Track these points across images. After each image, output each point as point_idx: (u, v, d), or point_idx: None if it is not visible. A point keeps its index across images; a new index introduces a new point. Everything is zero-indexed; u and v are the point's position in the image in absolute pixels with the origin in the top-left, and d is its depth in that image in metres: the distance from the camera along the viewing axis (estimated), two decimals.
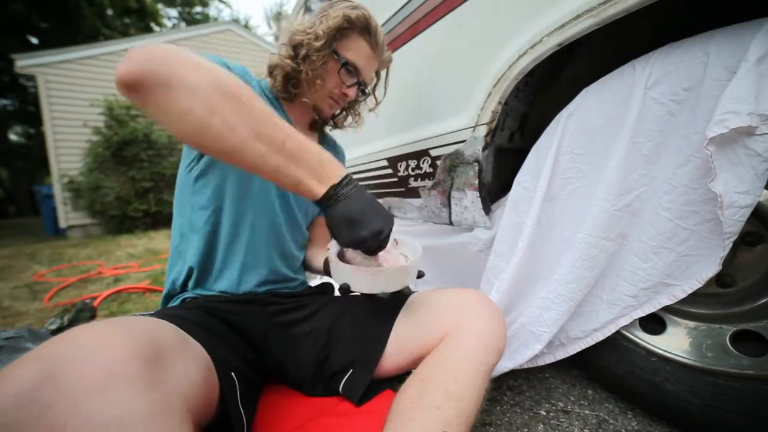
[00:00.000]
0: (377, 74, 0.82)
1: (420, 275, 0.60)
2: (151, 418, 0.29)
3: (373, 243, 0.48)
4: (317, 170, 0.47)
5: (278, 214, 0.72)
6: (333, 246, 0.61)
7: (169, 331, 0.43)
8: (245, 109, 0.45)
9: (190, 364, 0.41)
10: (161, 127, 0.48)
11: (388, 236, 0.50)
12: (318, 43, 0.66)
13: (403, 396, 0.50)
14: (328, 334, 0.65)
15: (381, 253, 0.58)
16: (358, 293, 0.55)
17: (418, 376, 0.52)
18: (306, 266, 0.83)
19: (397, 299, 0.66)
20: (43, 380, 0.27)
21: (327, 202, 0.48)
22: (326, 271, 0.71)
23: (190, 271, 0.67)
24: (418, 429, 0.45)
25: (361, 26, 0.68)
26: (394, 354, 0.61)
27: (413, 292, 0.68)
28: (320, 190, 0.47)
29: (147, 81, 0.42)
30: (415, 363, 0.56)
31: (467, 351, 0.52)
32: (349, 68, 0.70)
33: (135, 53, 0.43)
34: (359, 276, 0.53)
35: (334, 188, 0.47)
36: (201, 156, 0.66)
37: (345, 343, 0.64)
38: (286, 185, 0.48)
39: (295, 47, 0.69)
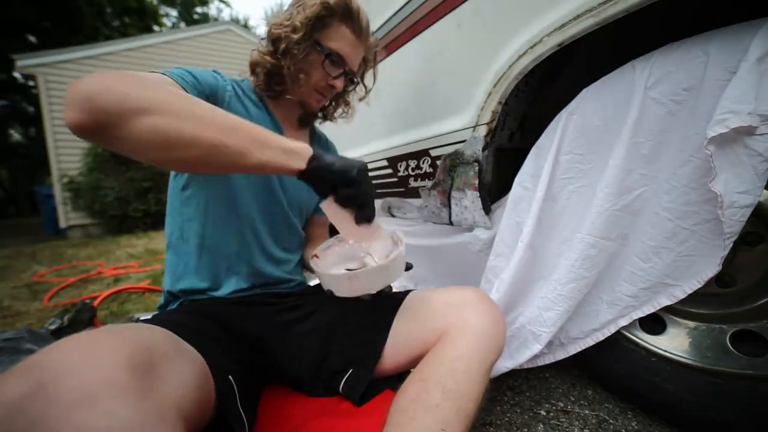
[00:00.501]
0: (365, 60, 0.77)
1: (408, 267, 0.59)
2: (142, 427, 0.29)
3: (361, 179, 0.52)
4: (289, 150, 0.49)
5: (258, 220, 0.70)
6: (320, 253, 0.64)
7: (161, 337, 0.42)
8: (206, 108, 0.46)
9: (184, 370, 0.41)
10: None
11: (366, 171, 0.53)
12: (297, 36, 0.62)
13: (402, 395, 0.50)
14: (327, 334, 0.65)
15: (373, 247, 0.64)
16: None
17: (417, 375, 0.52)
18: (306, 267, 0.83)
19: (396, 299, 0.66)
20: (33, 391, 0.27)
21: (308, 173, 0.50)
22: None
23: (182, 280, 0.67)
24: (416, 428, 0.45)
25: (341, 12, 0.64)
26: (393, 353, 0.61)
27: (411, 291, 0.68)
28: (301, 164, 0.49)
29: (100, 120, 0.40)
30: (415, 362, 0.56)
31: (466, 349, 0.52)
32: (334, 59, 0.66)
33: (74, 95, 0.40)
34: (338, 282, 0.55)
35: (311, 160, 0.50)
36: None
37: (344, 343, 0.64)
38: (267, 168, 0.48)
39: (274, 41, 0.66)
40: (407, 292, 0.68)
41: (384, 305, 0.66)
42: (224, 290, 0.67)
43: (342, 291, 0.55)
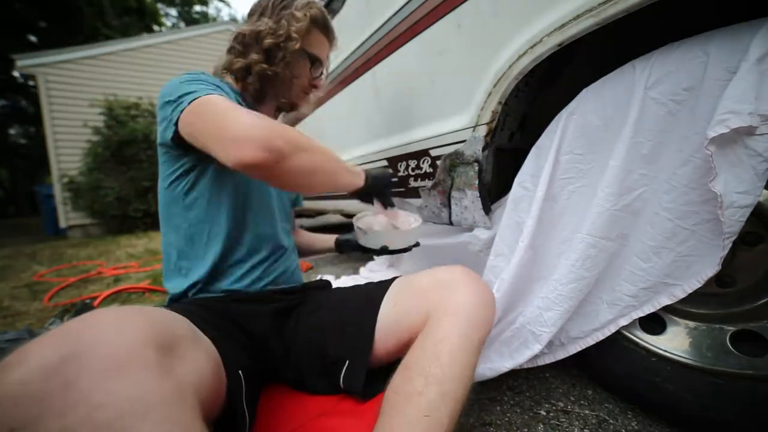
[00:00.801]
0: None
1: (416, 244, 0.80)
2: (167, 403, 0.30)
3: (390, 186, 0.76)
4: (356, 172, 0.69)
5: (276, 209, 0.78)
6: (363, 222, 0.80)
7: (182, 323, 0.43)
8: (321, 145, 0.62)
9: (201, 357, 0.41)
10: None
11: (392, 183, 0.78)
12: (296, 46, 0.71)
13: (389, 388, 0.50)
14: (324, 327, 0.65)
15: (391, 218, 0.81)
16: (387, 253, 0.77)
17: (403, 364, 0.51)
18: (306, 251, 0.98)
19: (382, 285, 0.67)
20: (68, 355, 0.28)
21: (364, 191, 0.70)
22: (337, 247, 0.98)
23: (196, 282, 0.67)
24: (399, 420, 0.44)
25: (321, 24, 0.76)
26: (383, 339, 0.60)
27: (398, 277, 0.70)
28: (361, 182, 0.70)
29: (274, 157, 0.52)
30: (406, 347, 0.55)
31: (449, 330, 0.51)
32: (317, 63, 0.78)
33: (249, 136, 0.50)
34: (395, 235, 0.76)
35: (367, 179, 0.70)
36: (189, 171, 0.66)
37: (336, 334, 0.63)
38: (337, 189, 0.66)
39: (269, 50, 0.71)
40: (395, 278, 0.68)
41: (371, 293, 0.66)
42: (237, 282, 0.69)
43: (398, 243, 0.76)
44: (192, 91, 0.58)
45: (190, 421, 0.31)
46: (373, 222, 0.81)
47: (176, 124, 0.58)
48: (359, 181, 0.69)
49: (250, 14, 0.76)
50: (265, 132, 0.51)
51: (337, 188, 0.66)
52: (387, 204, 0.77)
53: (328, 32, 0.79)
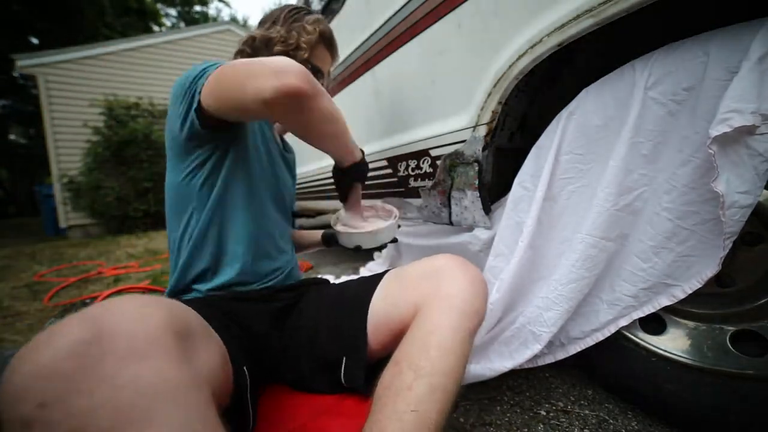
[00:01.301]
0: None
1: (393, 240, 0.83)
2: (185, 388, 0.31)
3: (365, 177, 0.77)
4: (357, 146, 0.72)
5: (283, 207, 0.81)
6: (339, 223, 0.82)
7: (195, 316, 0.43)
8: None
9: (212, 350, 0.42)
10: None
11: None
12: (304, 56, 0.76)
13: (380, 383, 0.49)
14: (320, 325, 0.65)
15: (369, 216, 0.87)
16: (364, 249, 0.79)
17: (394, 358, 0.50)
18: (299, 246, 0.97)
19: (373, 279, 0.67)
20: (93, 338, 0.29)
21: (353, 166, 0.71)
22: (324, 241, 0.96)
23: (205, 270, 0.68)
24: (388, 414, 0.44)
25: (327, 40, 0.82)
26: (377, 333, 0.59)
27: (389, 270, 0.69)
28: (358, 158, 0.71)
29: (310, 90, 0.53)
30: (399, 340, 0.54)
31: (438, 321, 0.50)
32: (319, 74, 0.82)
33: (291, 70, 0.52)
34: (365, 236, 0.78)
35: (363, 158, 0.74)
36: (205, 161, 0.66)
37: (331, 332, 0.63)
38: (343, 152, 0.69)
39: (279, 55, 0.74)
40: (386, 271, 0.67)
41: (361, 288, 0.66)
42: (244, 268, 0.69)
43: (369, 243, 0.79)
44: (214, 64, 0.59)
45: (204, 409, 0.32)
46: (346, 221, 0.85)
47: (200, 93, 0.57)
48: (357, 154, 0.71)
49: (262, 22, 0.80)
50: (302, 67, 0.53)
51: (341, 148, 0.67)
52: (350, 195, 0.77)
53: (332, 48, 0.84)
